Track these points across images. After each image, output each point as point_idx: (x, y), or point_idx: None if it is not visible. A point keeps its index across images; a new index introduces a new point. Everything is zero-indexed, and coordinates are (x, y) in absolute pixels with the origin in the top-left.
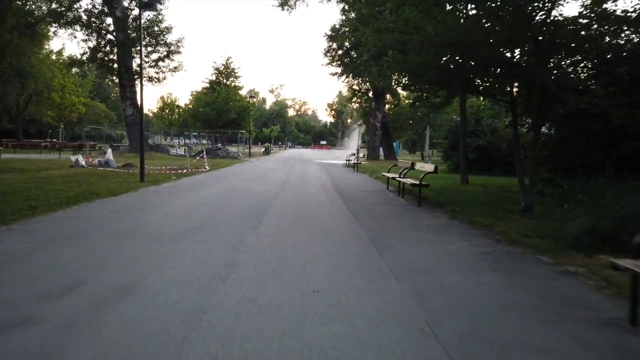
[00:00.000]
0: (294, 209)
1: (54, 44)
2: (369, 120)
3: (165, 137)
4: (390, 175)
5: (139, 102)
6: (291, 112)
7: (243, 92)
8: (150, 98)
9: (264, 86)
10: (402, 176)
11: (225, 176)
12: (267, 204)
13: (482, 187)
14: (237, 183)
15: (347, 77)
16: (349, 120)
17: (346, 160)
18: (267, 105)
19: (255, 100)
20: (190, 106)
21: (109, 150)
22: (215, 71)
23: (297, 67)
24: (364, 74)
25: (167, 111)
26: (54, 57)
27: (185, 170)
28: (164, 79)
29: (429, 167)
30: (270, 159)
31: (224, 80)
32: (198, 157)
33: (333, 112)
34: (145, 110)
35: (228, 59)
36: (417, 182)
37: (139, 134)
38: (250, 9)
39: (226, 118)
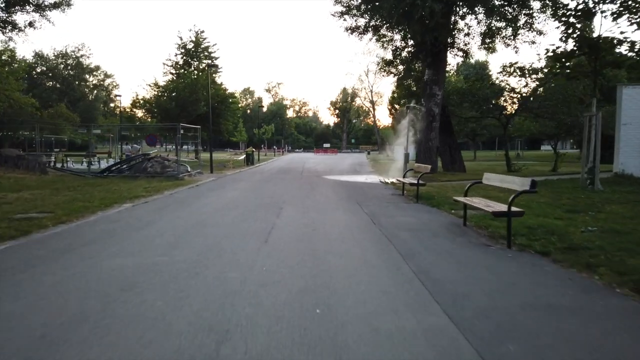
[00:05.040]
0: None
1: None
2: (418, 103)
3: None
4: None
5: None
6: (290, 113)
7: (224, 82)
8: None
9: (260, 85)
10: None
11: None
12: None
13: None
14: None
15: (375, 32)
16: (354, 121)
17: (413, 181)
18: (264, 106)
19: (217, 76)
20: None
21: None
22: (182, 50)
23: (297, 65)
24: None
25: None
26: None
27: None
28: (29, 26)
29: None
30: (245, 177)
31: (196, 63)
32: None
33: (337, 111)
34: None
35: (199, 33)
36: None
37: None
38: (246, 5)
39: (194, 113)
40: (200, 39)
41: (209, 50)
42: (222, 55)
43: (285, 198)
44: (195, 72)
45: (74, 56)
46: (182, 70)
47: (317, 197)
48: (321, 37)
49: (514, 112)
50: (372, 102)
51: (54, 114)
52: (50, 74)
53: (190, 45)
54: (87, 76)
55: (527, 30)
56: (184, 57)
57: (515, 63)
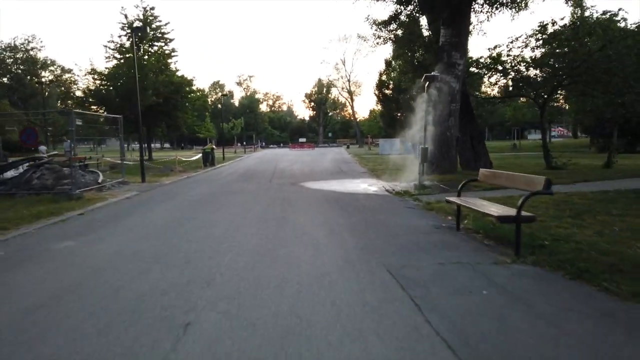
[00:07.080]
0: None
1: None
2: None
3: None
4: None
5: None
6: (264, 108)
7: (178, 66)
8: None
9: (230, 79)
10: None
11: None
12: None
13: None
14: None
15: None
16: (330, 114)
17: (508, 213)
18: (234, 99)
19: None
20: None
21: None
22: (127, 30)
23: (269, 58)
24: None
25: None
26: None
27: None
28: None
29: None
30: (182, 190)
31: (144, 46)
32: None
33: (312, 103)
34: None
35: (147, 10)
36: None
37: None
38: None
39: (143, 103)
40: (150, 17)
41: (162, 30)
42: (188, 47)
43: (220, 257)
44: (145, 56)
45: (24, 49)
46: (128, 55)
47: (291, 249)
48: (294, 28)
49: (554, 86)
50: (350, 93)
51: None
52: None
53: (137, 24)
54: (41, 71)
55: None
56: (130, 39)
57: (562, 18)
